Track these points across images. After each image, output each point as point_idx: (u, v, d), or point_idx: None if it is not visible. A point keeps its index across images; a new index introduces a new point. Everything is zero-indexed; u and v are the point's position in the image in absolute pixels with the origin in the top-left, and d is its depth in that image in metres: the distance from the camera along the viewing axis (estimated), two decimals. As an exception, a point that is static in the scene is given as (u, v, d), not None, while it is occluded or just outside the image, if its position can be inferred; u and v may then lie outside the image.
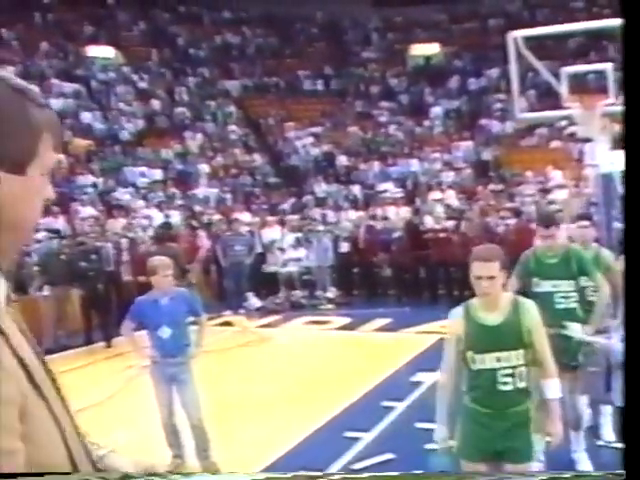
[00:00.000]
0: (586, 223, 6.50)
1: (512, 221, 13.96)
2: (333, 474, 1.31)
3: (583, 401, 6.24)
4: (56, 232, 12.82)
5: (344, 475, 1.24)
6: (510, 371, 4.09)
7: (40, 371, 1.16)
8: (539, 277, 5.70)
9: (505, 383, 4.07)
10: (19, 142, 1.13)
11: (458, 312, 4.22)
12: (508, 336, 4.07)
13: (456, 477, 1.90)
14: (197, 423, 5.90)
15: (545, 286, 5.67)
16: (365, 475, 1.19)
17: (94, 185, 18.58)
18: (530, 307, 4.16)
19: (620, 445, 5.24)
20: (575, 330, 5.64)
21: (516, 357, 4.08)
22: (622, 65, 1.40)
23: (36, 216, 1.21)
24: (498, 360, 4.06)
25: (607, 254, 6.28)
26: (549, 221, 5.71)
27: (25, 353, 1.13)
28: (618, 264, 5.93)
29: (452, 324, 4.23)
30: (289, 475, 1.17)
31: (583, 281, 5.77)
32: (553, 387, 4.16)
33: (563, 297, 5.67)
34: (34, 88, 1.19)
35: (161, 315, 5.85)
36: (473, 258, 4.02)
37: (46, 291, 11.65)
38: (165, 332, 5.83)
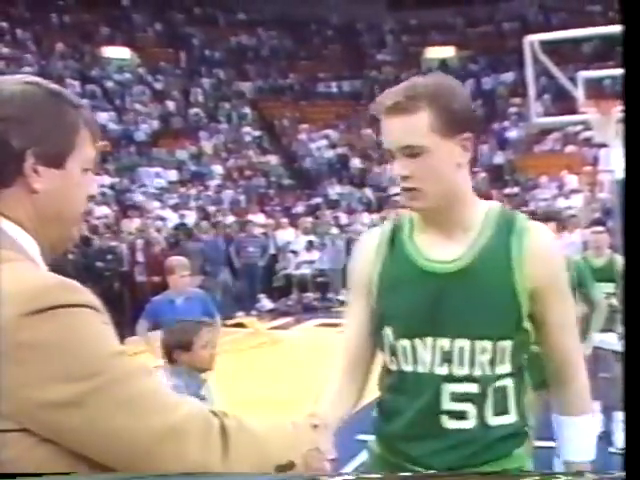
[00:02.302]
0: (600, 228, 6.43)
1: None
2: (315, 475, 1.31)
3: (595, 407, 6.22)
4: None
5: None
6: (472, 389, 1.75)
7: None
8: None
9: (452, 414, 1.77)
10: (56, 138, 1.24)
11: (377, 233, 1.94)
12: (477, 300, 1.72)
13: (453, 477, 1.82)
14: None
15: None
16: (352, 477, 1.18)
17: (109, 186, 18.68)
18: (538, 234, 1.78)
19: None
20: (608, 342, 5.47)
21: (492, 351, 1.73)
22: (623, 70, 1.40)
23: (78, 210, 1.30)
24: (445, 361, 1.77)
25: (621, 260, 6.21)
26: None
27: None
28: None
29: (361, 250, 1.96)
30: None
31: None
32: (582, 437, 1.90)
33: None
34: (68, 91, 1.34)
35: (176, 315, 5.85)
36: (378, 110, 1.74)
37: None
38: (180, 332, 5.86)
